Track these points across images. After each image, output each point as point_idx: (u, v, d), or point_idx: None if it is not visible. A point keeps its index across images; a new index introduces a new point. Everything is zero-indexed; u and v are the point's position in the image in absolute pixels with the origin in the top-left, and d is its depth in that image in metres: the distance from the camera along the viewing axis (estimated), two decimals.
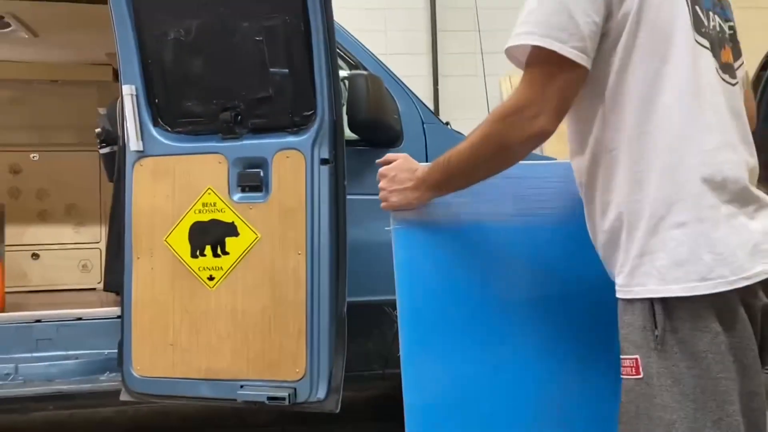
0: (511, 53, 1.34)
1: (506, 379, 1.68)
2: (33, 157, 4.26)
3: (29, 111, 4.50)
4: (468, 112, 6.37)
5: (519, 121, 1.29)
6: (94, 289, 4.14)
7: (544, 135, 1.31)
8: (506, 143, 1.34)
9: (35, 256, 4.10)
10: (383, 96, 2.80)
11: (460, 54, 7.27)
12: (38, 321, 2.90)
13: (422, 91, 6.70)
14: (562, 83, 1.26)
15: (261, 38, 2.38)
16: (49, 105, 4.51)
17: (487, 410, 1.68)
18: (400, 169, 1.61)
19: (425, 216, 1.67)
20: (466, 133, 3.12)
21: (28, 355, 2.83)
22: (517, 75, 1.38)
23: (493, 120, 1.35)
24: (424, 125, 2.97)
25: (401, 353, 1.66)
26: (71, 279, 4.15)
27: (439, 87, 7.25)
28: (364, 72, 2.76)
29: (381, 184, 1.64)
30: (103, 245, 4.26)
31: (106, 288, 3.13)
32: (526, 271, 1.72)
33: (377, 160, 1.70)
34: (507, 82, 7.05)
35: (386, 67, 2.96)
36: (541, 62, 1.26)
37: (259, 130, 2.45)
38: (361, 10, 6.59)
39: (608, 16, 1.24)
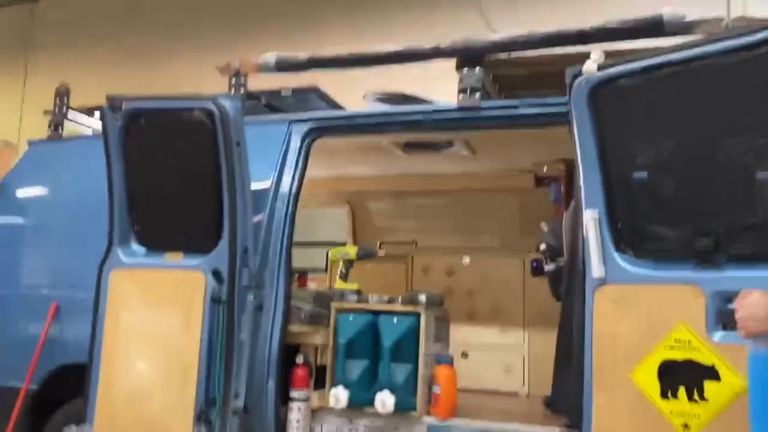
0: None
1: None
2: (464, 260, 4.63)
3: (461, 217, 4.95)
4: None
5: None
6: (516, 393, 4.21)
7: None
8: None
9: (464, 355, 4.37)
10: None
11: None
12: None
13: None
14: None
15: (751, 157, 2.12)
16: (477, 211, 4.90)
17: None
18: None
19: None
20: None
21: None
22: None
23: None
24: None
25: None
26: (495, 380, 4.29)
27: None
28: None
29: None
30: (526, 349, 4.34)
31: (550, 405, 3.12)
32: None
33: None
34: None
35: None
36: None
37: (745, 260, 2.15)
38: None
39: None
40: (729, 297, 2.16)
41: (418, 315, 3.18)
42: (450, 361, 3.17)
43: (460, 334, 4.34)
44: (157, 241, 3.20)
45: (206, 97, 2.95)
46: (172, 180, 3.15)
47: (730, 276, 2.17)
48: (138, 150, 3.16)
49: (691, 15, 2.68)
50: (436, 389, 3.10)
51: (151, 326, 3.09)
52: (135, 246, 3.23)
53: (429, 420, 3.08)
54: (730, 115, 2.16)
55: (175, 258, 3.13)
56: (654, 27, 2.69)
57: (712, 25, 2.58)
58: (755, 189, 2.13)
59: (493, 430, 2.96)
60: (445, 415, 3.07)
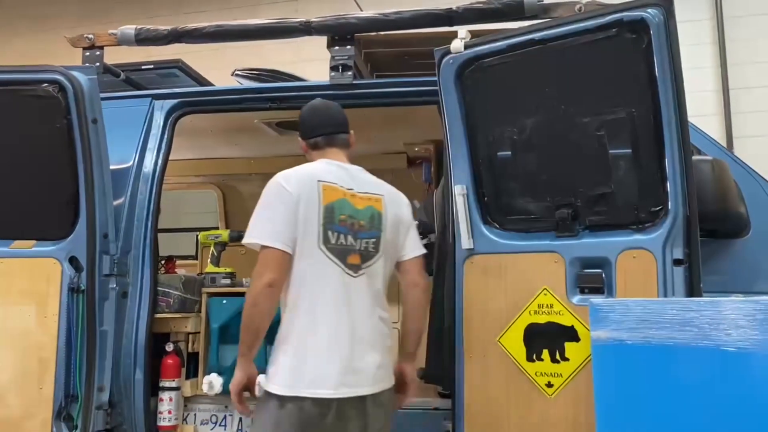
0: None
1: None
2: None
3: None
4: None
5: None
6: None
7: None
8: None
9: None
10: (729, 182, 2.50)
11: (757, 113, 6.52)
12: None
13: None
14: None
15: (602, 133, 2.27)
16: None
17: None
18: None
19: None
20: None
21: None
22: None
23: None
24: None
25: None
26: None
27: (734, 149, 6.53)
28: (709, 157, 2.49)
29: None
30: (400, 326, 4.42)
31: (425, 378, 3.19)
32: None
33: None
34: None
35: (727, 149, 2.66)
36: None
37: (598, 228, 2.31)
38: None
39: None
40: (586, 263, 2.32)
41: None
42: None
43: None
44: (3, 228, 2.92)
45: (56, 68, 2.71)
46: (19, 161, 2.87)
47: (586, 243, 2.32)
48: None
49: None
50: None
51: (1, 322, 2.82)
52: None
53: None
54: (583, 92, 2.30)
55: (24, 246, 2.87)
56: (515, 9, 2.81)
57: (567, 8, 2.73)
58: (607, 162, 2.28)
59: None
60: None
